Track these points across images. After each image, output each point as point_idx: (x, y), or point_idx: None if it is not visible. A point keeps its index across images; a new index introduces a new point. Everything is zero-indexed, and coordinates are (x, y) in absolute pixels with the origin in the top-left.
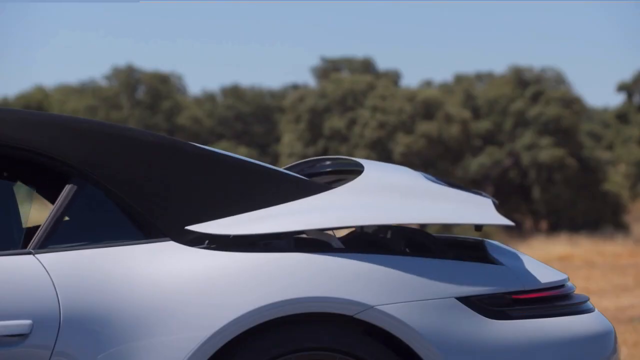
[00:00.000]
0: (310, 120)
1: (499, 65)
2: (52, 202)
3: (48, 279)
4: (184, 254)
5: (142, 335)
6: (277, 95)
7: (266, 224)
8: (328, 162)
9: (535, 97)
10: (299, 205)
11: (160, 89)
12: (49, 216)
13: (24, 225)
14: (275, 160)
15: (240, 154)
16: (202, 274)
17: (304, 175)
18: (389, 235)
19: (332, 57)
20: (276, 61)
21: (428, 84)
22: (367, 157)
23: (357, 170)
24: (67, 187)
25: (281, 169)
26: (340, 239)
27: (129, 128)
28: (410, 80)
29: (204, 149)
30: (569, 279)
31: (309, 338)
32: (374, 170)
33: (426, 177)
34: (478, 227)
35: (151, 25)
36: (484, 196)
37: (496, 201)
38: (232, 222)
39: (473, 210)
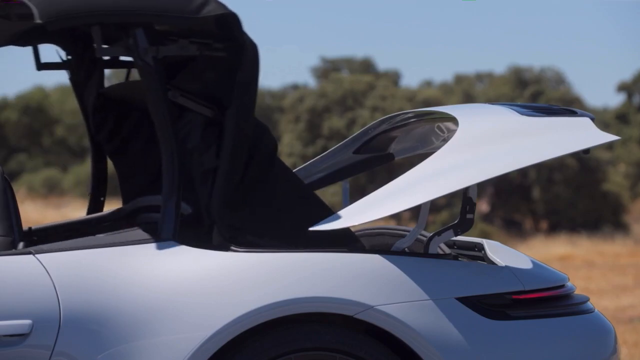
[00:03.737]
0: (310, 120)
1: (499, 65)
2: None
3: (48, 279)
4: (184, 254)
5: (142, 335)
6: (277, 95)
7: (394, 202)
8: (410, 115)
9: (535, 97)
10: (412, 177)
11: None
12: None
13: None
14: None
15: None
16: (202, 274)
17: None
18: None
19: (332, 57)
20: (276, 61)
21: (428, 84)
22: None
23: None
24: None
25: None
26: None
27: None
28: (410, 80)
29: None
30: (569, 279)
31: (309, 338)
32: (468, 122)
33: (518, 112)
34: (586, 151)
35: None
36: (580, 114)
37: (593, 116)
38: (354, 212)
39: (577, 135)
